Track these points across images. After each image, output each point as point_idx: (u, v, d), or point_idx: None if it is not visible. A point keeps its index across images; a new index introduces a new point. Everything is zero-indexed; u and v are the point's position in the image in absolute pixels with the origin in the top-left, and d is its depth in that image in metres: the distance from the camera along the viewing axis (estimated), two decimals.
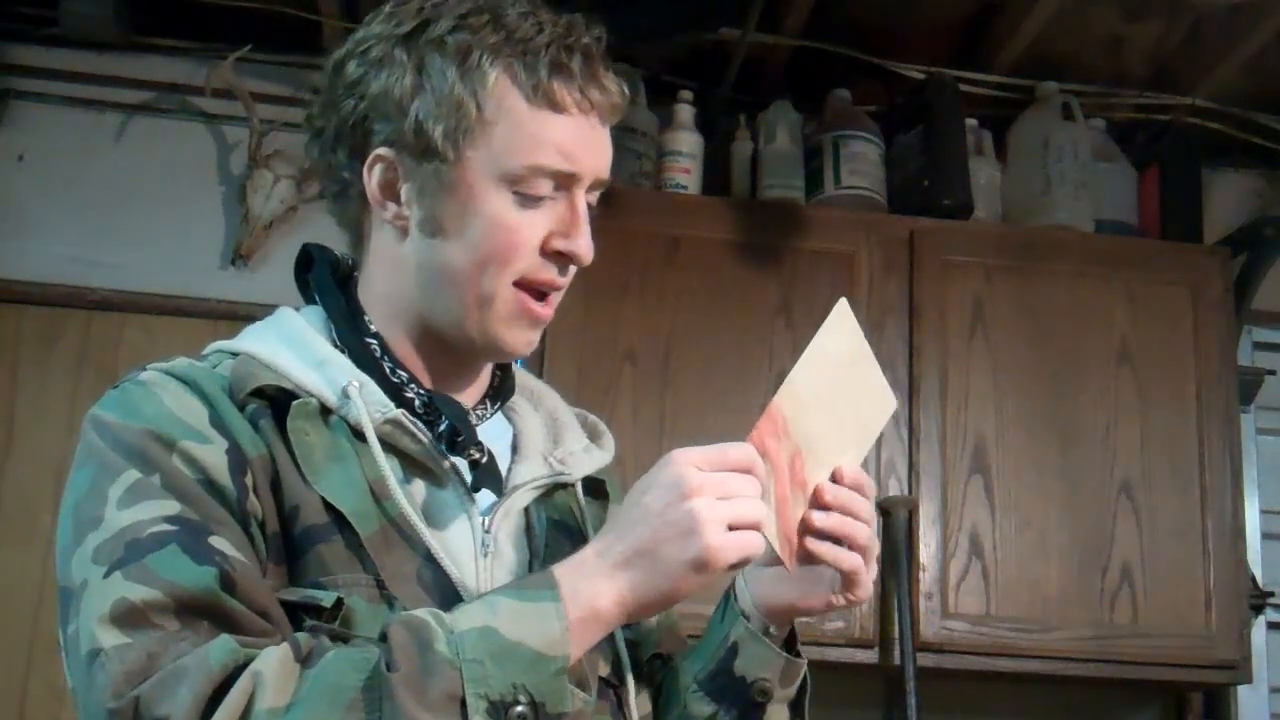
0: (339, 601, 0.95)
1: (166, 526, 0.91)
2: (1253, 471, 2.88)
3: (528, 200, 1.03)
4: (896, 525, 2.44)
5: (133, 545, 0.91)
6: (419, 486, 1.03)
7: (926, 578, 2.46)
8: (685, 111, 2.78)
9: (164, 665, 0.86)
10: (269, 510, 0.98)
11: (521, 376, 1.20)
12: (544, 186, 1.03)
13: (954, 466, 2.51)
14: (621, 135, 2.76)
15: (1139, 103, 2.96)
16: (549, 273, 1.06)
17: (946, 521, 2.49)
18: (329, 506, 0.98)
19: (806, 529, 1.01)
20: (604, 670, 1.07)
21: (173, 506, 0.93)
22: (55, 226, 2.82)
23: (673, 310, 2.49)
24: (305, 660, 0.88)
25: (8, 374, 2.77)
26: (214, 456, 0.96)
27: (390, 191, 1.06)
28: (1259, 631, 2.79)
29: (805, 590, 1.08)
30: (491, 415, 1.14)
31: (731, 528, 0.91)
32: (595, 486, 1.17)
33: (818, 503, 1.02)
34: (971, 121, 2.80)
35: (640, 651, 1.15)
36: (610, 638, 1.06)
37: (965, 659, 2.45)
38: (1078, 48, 2.82)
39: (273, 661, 0.86)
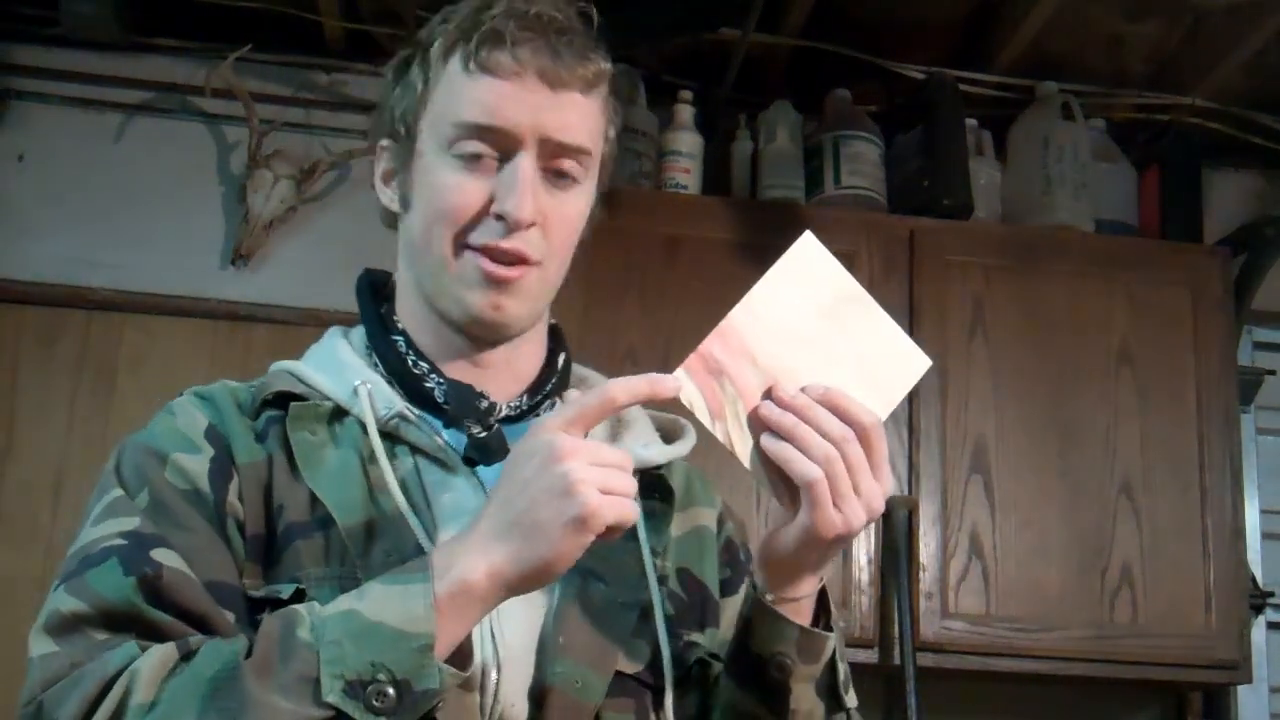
0: (298, 592, 0.97)
1: (117, 541, 0.96)
2: (1253, 471, 2.88)
3: (466, 161, 1.05)
4: (896, 525, 2.45)
5: (83, 560, 0.96)
6: (432, 479, 1.05)
7: (926, 578, 2.46)
8: (685, 111, 2.78)
9: (87, 669, 0.90)
10: (254, 513, 1.01)
11: (595, 380, 1.20)
12: (476, 145, 1.04)
13: (954, 466, 2.51)
14: (622, 135, 2.77)
15: (1139, 103, 2.96)
16: (491, 235, 1.04)
17: (946, 521, 2.49)
18: (317, 505, 1.01)
19: (761, 426, 0.96)
20: (631, 668, 1.03)
21: (131, 522, 0.98)
22: (55, 226, 2.82)
23: (673, 310, 2.49)
24: (186, 656, 0.90)
25: (8, 374, 2.77)
26: (199, 465, 1.01)
27: (388, 178, 1.13)
28: (1259, 631, 2.79)
29: (783, 526, 0.99)
30: (532, 407, 1.12)
31: (605, 492, 0.88)
32: (653, 483, 1.13)
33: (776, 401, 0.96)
34: (971, 121, 2.80)
35: (692, 653, 1.09)
36: (653, 635, 1.04)
37: (965, 659, 2.45)
38: (1078, 48, 2.82)
39: (152, 659, 0.89)
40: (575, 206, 1.09)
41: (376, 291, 1.17)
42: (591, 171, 1.10)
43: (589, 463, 0.88)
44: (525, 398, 1.12)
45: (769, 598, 1.01)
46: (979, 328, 2.58)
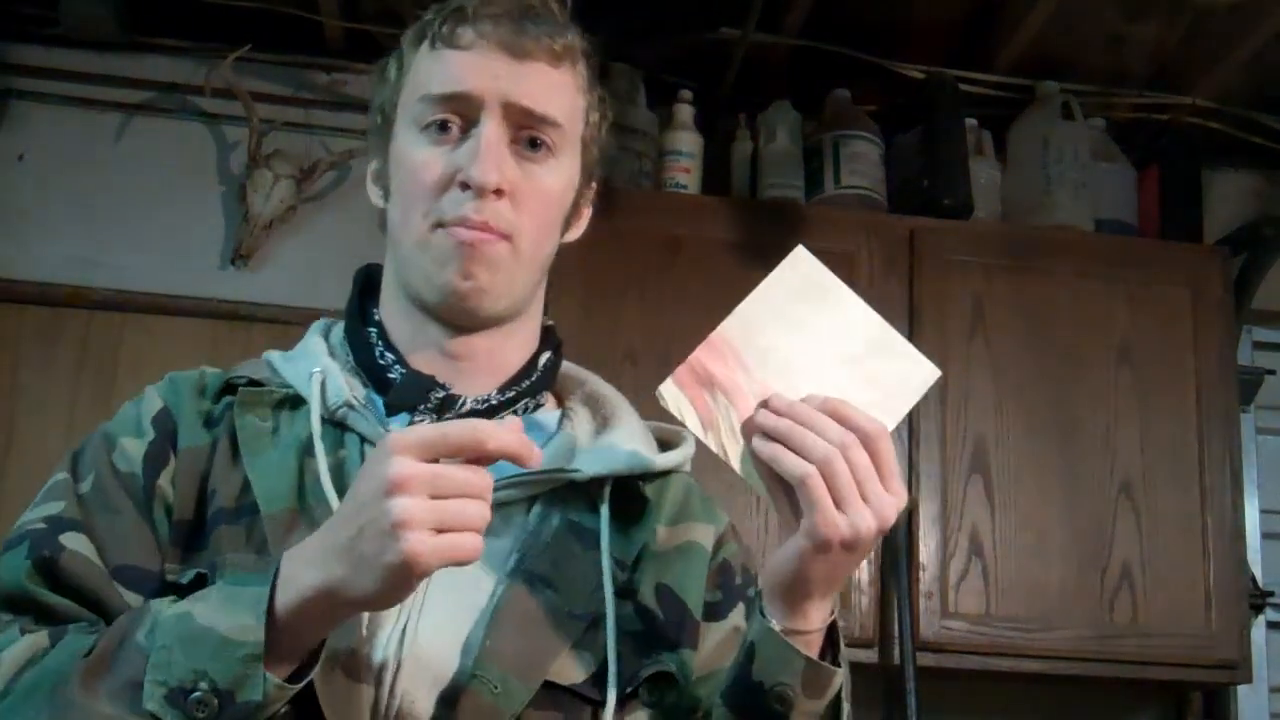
0: (198, 577, 0.95)
1: (38, 526, 0.99)
2: (1253, 471, 2.88)
3: (430, 134, 1.04)
4: (896, 525, 2.43)
5: (6, 544, 0.99)
6: None
7: (926, 577, 2.46)
8: (685, 111, 2.78)
9: None
10: (184, 498, 1.01)
11: (594, 384, 1.17)
12: (441, 116, 1.04)
13: (954, 466, 2.51)
14: (621, 135, 2.77)
15: (1139, 102, 2.96)
16: (458, 206, 1.02)
17: (946, 521, 2.49)
18: (247, 491, 1.00)
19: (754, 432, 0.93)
20: (567, 679, 0.98)
21: (57, 506, 1.00)
22: (55, 226, 2.82)
23: (673, 310, 2.49)
24: (54, 645, 0.91)
25: (8, 374, 2.77)
26: (138, 449, 1.03)
27: (376, 177, 1.13)
28: (1259, 631, 2.79)
29: (786, 539, 0.94)
30: (503, 404, 1.08)
31: (442, 530, 0.82)
32: (627, 490, 1.08)
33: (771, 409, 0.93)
34: (971, 121, 2.80)
35: (645, 671, 1.02)
36: (600, 645, 0.99)
37: (965, 658, 2.45)
38: (1078, 47, 2.82)
39: (18, 647, 0.90)
40: (548, 181, 1.06)
41: (370, 286, 1.15)
42: (567, 148, 1.08)
43: (428, 494, 0.82)
44: (495, 393, 1.07)
45: (776, 626, 0.95)
46: (979, 328, 2.58)
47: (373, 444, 1.02)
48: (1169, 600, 2.50)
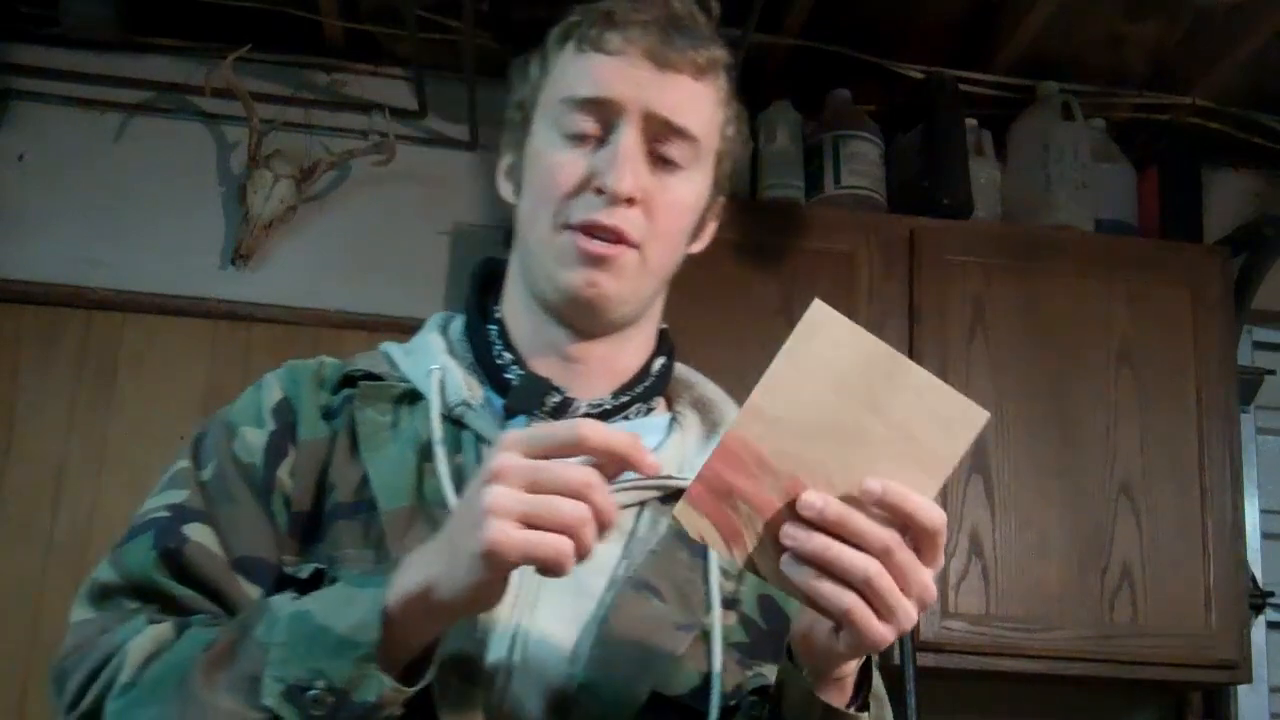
0: (317, 573, 0.96)
1: (161, 514, 1.00)
2: (1253, 471, 2.88)
3: (571, 139, 1.04)
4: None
5: (131, 530, 1.01)
6: None
7: None
8: None
9: (101, 640, 0.93)
10: (303, 490, 1.02)
11: (702, 387, 1.17)
12: (583, 122, 1.04)
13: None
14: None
15: (1139, 102, 2.96)
16: (590, 209, 1.02)
17: (946, 521, 2.48)
18: (366, 486, 1.00)
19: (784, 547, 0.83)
20: (672, 692, 0.97)
21: (180, 495, 1.01)
22: (55, 226, 2.82)
23: (673, 310, 2.48)
24: (179, 636, 0.92)
25: (8, 374, 2.77)
26: (259, 440, 1.03)
27: (509, 173, 1.13)
28: (1259, 631, 2.79)
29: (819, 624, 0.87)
30: (617, 408, 1.08)
31: (529, 524, 0.80)
32: None
33: (802, 516, 0.83)
34: (971, 121, 2.80)
35: (751, 684, 1.00)
36: (705, 656, 0.98)
37: (965, 659, 2.45)
38: (1078, 48, 2.82)
39: (144, 638, 0.92)
40: (681, 193, 1.06)
41: (489, 281, 1.15)
42: (702, 162, 1.08)
43: (523, 486, 0.80)
44: (610, 397, 1.08)
45: (803, 670, 0.91)
46: (979, 328, 2.58)
47: (489, 443, 1.02)
48: (1169, 600, 2.50)
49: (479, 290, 1.15)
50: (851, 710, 0.90)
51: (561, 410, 1.04)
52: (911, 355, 2.53)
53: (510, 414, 1.04)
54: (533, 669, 0.94)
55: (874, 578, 0.81)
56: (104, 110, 2.89)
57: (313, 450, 1.03)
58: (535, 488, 0.81)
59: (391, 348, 1.12)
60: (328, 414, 1.05)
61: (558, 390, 1.05)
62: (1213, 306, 2.66)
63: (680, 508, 0.84)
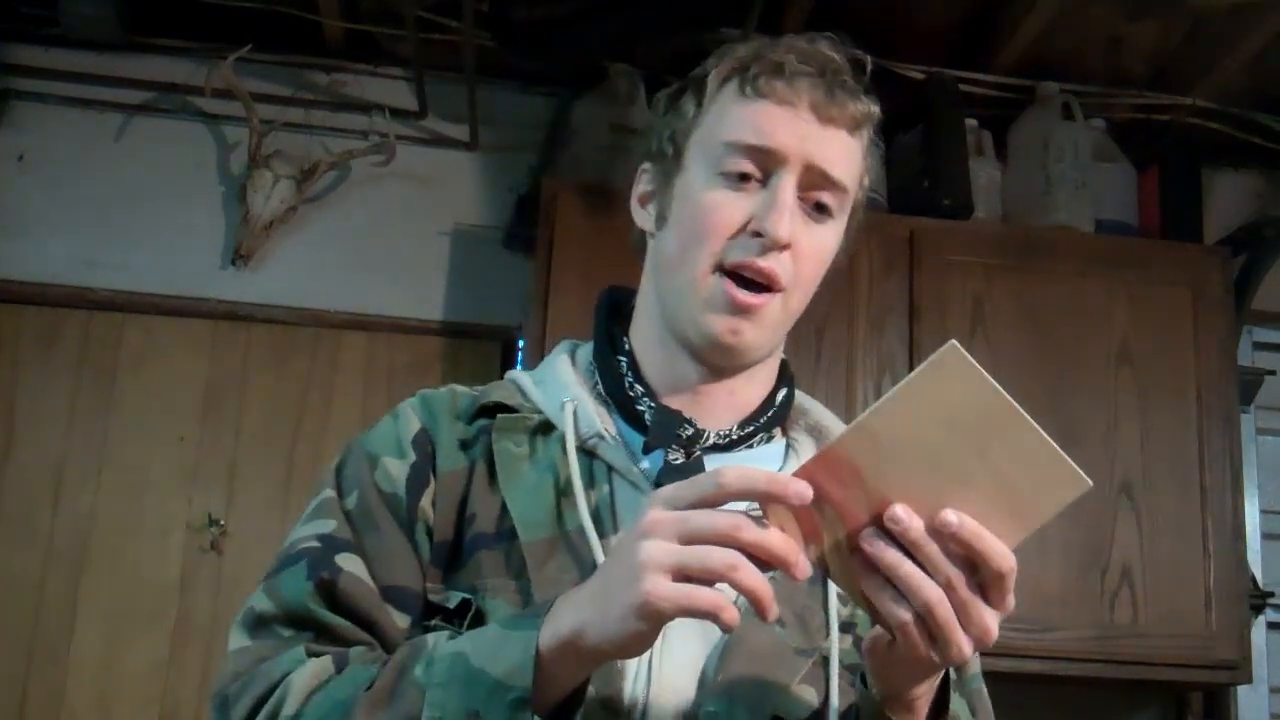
0: (464, 603, 1.00)
1: (312, 544, 1.03)
2: (1253, 471, 2.88)
3: (729, 180, 1.06)
4: None
5: (282, 560, 1.03)
6: (624, 499, 1.06)
7: None
8: None
9: (262, 669, 0.96)
10: (444, 520, 1.05)
11: (817, 414, 1.18)
12: (743, 165, 1.06)
13: None
14: (621, 135, 2.78)
15: (1139, 103, 2.96)
16: (746, 252, 1.05)
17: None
18: (506, 516, 1.03)
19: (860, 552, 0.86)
20: (794, 715, 0.99)
21: (328, 525, 1.04)
22: (55, 226, 2.82)
23: None
24: (340, 669, 0.95)
25: (8, 374, 2.77)
26: (401, 470, 1.06)
27: (646, 200, 1.15)
28: (1259, 631, 2.79)
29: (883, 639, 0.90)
30: (742, 438, 1.10)
31: (683, 576, 0.82)
32: None
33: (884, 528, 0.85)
34: (971, 121, 2.80)
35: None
36: (824, 680, 1.01)
37: None
38: (1078, 48, 2.82)
39: (306, 671, 0.94)
40: (826, 241, 1.09)
41: (615, 309, 1.19)
42: (844, 212, 1.11)
43: (674, 538, 0.82)
44: (735, 428, 1.10)
45: (876, 693, 0.94)
46: (979, 327, 2.58)
47: (622, 475, 1.06)
48: (1169, 600, 2.50)
49: (607, 319, 1.18)
50: None
51: (693, 441, 1.07)
52: (911, 355, 2.55)
53: (647, 449, 1.08)
54: (666, 698, 0.98)
55: (934, 605, 0.84)
56: (104, 110, 2.89)
57: (452, 481, 1.06)
58: (686, 538, 0.82)
59: (520, 377, 1.14)
60: (464, 445, 1.08)
61: (689, 423, 1.08)
62: (1213, 306, 2.66)
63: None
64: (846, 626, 1.06)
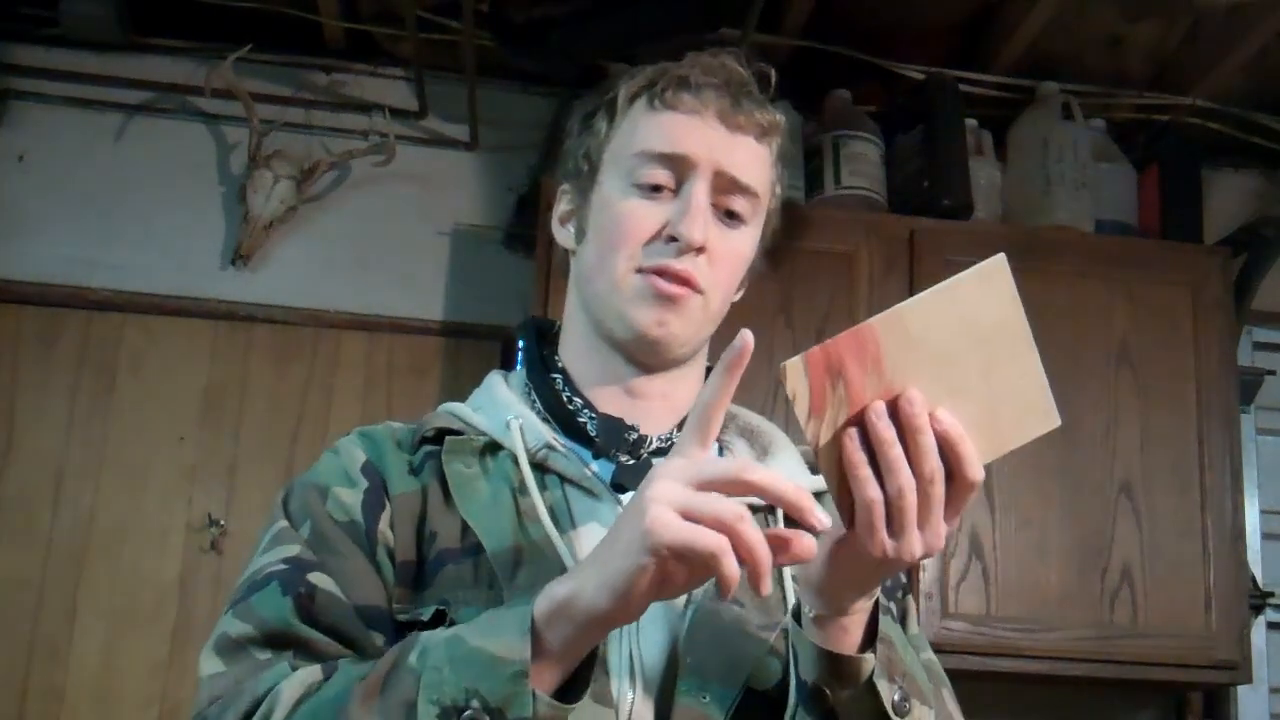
0: (439, 614, 1.01)
1: (279, 566, 1.03)
2: (1253, 471, 2.88)
3: (643, 190, 1.11)
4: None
5: (249, 586, 1.03)
6: (580, 507, 1.08)
7: (926, 578, 2.46)
8: None
9: (244, 687, 0.96)
10: (404, 541, 1.06)
11: (746, 416, 1.22)
12: (656, 174, 1.10)
13: None
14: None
15: (1139, 103, 2.96)
16: (663, 256, 1.09)
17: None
18: (468, 533, 1.05)
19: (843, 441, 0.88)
20: (761, 687, 1.02)
21: (293, 549, 1.05)
22: (55, 226, 2.82)
23: None
24: (328, 677, 0.95)
25: (8, 374, 2.77)
26: (354, 498, 1.08)
27: (566, 220, 1.20)
28: (1259, 631, 2.79)
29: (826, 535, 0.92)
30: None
31: (692, 519, 0.83)
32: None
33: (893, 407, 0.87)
34: (971, 121, 2.80)
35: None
36: (787, 651, 1.02)
37: (965, 659, 2.45)
38: (1078, 48, 2.82)
39: (295, 680, 0.95)
40: (740, 244, 1.13)
41: (541, 335, 1.22)
42: (757, 218, 1.15)
43: (681, 482, 0.84)
44: (676, 430, 1.14)
45: (810, 614, 0.96)
46: None
47: (574, 483, 1.09)
48: (1169, 600, 2.50)
49: (535, 344, 1.21)
50: (853, 654, 0.95)
51: (637, 446, 1.11)
52: None
53: (597, 455, 1.11)
54: (649, 684, 1.01)
55: (906, 491, 0.86)
56: (104, 110, 2.89)
57: (407, 503, 1.08)
58: (698, 483, 0.84)
59: (455, 407, 1.16)
60: (413, 470, 1.11)
61: (631, 428, 1.12)
62: (1213, 306, 2.66)
63: (793, 362, 0.86)
64: None
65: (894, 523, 0.87)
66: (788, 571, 1.08)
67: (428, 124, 2.96)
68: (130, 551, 2.71)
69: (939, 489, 0.88)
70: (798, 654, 0.98)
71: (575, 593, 0.87)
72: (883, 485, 0.87)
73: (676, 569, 0.85)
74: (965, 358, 0.89)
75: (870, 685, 0.96)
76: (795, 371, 0.86)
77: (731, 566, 0.82)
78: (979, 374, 0.89)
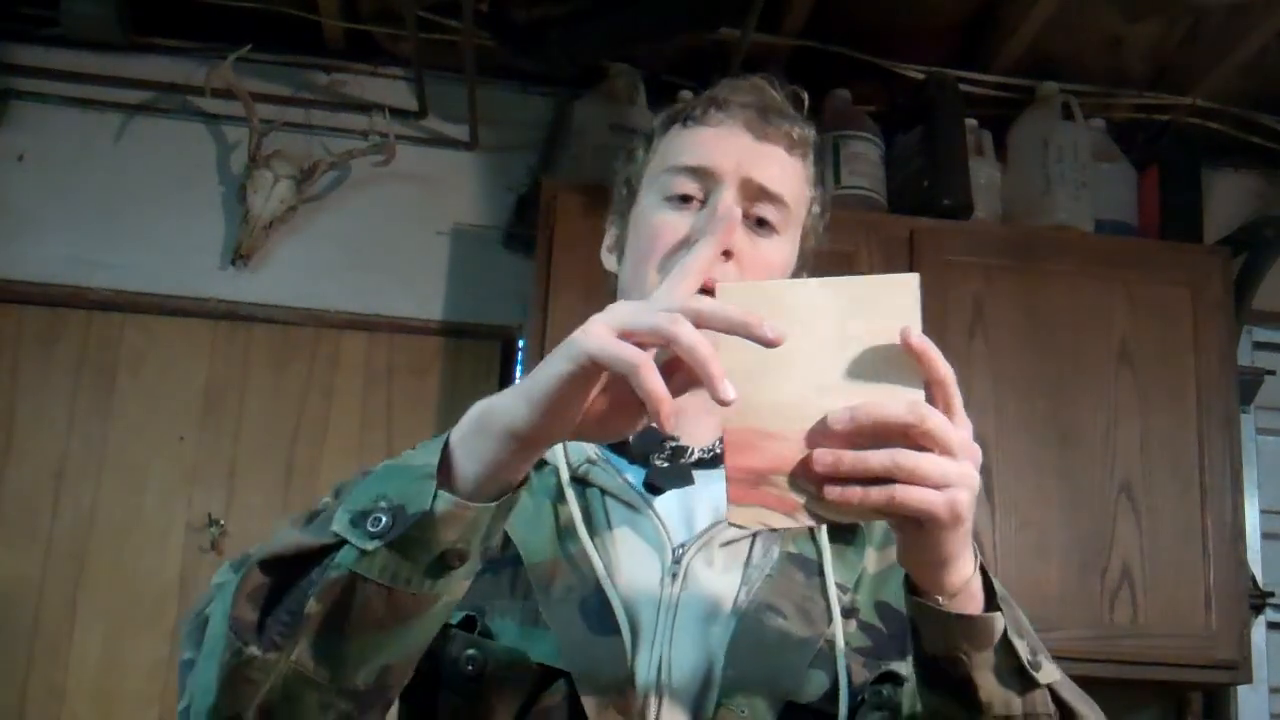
0: (468, 619, 1.03)
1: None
2: (1253, 471, 2.89)
3: (673, 203, 1.13)
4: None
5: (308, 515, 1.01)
6: (618, 518, 1.10)
7: None
8: None
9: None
10: None
11: None
12: (685, 186, 1.13)
13: None
14: (621, 135, 2.78)
15: (1139, 103, 2.96)
16: None
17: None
18: (509, 544, 1.07)
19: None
20: (807, 698, 1.02)
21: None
22: (55, 226, 2.82)
23: None
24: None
25: (8, 374, 2.77)
26: None
27: (611, 248, 1.22)
28: (1259, 631, 2.79)
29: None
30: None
31: (627, 336, 0.81)
32: (845, 528, 1.13)
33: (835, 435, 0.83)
34: (971, 121, 2.80)
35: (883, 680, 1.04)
36: (833, 663, 1.03)
37: None
38: (1078, 48, 2.82)
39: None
40: (770, 254, 1.13)
41: None
42: (791, 228, 1.15)
43: (631, 309, 0.83)
44: (718, 443, 1.13)
45: (924, 596, 0.92)
46: (979, 328, 2.58)
47: (614, 496, 1.11)
48: (1169, 600, 2.50)
49: None
50: (982, 613, 0.91)
51: (677, 456, 1.13)
52: None
53: (634, 460, 1.13)
54: (678, 695, 1.01)
55: (899, 458, 0.82)
56: (104, 110, 2.89)
57: None
58: (626, 332, 0.82)
59: None
60: None
61: (671, 438, 1.13)
62: (1213, 306, 2.66)
63: (731, 512, 0.84)
64: (849, 612, 1.09)
65: (922, 482, 0.82)
66: (830, 581, 1.09)
67: (428, 124, 2.96)
68: (130, 551, 2.71)
69: (933, 420, 0.83)
70: (920, 629, 0.93)
71: (493, 402, 0.86)
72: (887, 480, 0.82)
73: (599, 397, 0.84)
74: (811, 351, 0.84)
75: (1006, 643, 0.92)
76: (741, 515, 0.84)
77: (651, 381, 0.79)
78: (831, 340, 0.85)
